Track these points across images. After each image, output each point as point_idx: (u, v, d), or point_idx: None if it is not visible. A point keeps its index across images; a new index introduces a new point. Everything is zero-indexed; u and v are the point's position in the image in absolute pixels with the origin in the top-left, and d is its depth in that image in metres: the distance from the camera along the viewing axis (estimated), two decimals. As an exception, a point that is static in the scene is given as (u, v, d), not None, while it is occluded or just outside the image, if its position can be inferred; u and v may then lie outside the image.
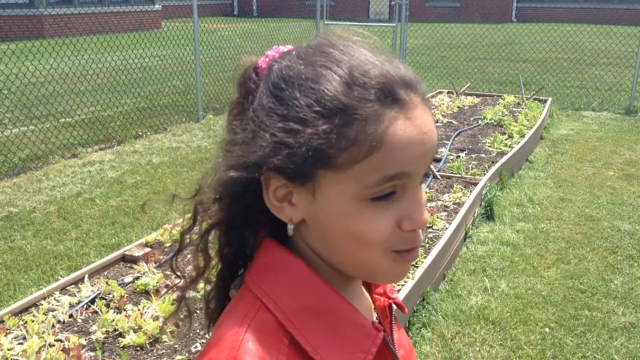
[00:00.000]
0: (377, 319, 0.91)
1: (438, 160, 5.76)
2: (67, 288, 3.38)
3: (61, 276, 3.95)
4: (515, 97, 8.94)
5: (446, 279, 4.00)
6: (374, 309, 0.92)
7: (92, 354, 2.78)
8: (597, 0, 26.59)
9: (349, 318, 0.79)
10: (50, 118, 8.15)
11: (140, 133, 7.73)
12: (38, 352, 2.67)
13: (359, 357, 0.77)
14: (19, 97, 8.65)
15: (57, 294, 3.30)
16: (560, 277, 4.06)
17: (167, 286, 3.30)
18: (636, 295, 3.83)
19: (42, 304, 3.17)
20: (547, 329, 3.47)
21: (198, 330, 3.07)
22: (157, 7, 22.37)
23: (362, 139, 0.72)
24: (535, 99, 8.87)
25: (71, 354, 2.65)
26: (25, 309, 3.17)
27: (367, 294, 0.92)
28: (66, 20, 18.31)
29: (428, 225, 4.20)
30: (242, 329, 0.75)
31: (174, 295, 0.96)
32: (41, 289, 3.74)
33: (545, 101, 8.78)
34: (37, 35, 16.62)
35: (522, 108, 8.27)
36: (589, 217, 5.07)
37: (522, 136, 6.69)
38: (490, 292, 3.85)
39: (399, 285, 3.32)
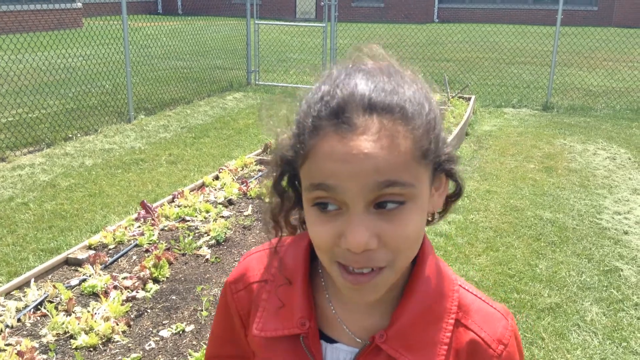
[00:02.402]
0: (363, 344, 0.92)
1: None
2: (12, 293, 3.34)
3: (0, 282, 3.88)
4: (441, 95, 9.31)
5: (386, 270, 4.19)
6: (370, 340, 0.92)
7: (45, 356, 2.78)
8: (513, 1, 27.80)
9: (295, 296, 0.94)
10: (-28, 121, 7.83)
11: (70, 135, 7.56)
12: (-11, 357, 2.65)
13: (277, 325, 0.95)
14: None
15: (1, 299, 3.25)
16: (490, 263, 4.33)
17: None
18: (559, 278, 4.15)
19: (-13, 310, 3.13)
20: (481, 313, 3.71)
21: (150, 329, 3.11)
22: (78, 4, 21.69)
23: (302, 147, 0.83)
24: (459, 97, 9.27)
25: (25, 357, 2.64)
26: (-32, 316, 3.11)
27: (385, 318, 0.93)
28: (-20, 18, 17.48)
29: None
30: (269, 244, 1.02)
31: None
32: (-20, 295, 3.67)
33: (469, 99, 9.20)
34: (-51, 33, 15.80)
35: (448, 106, 8.63)
36: (514, 208, 5.41)
37: (450, 133, 7.01)
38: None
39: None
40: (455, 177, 0.92)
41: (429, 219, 0.94)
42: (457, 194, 0.97)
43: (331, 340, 0.94)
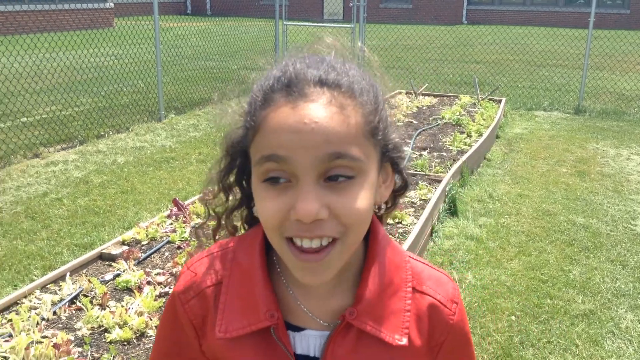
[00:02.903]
0: (333, 325, 0.94)
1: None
2: (47, 286, 3.39)
3: (35, 275, 3.95)
4: (471, 97, 9.24)
5: (416, 272, 4.16)
6: (340, 319, 0.93)
7: (80, 349, 2.82)
8: (544, 4, 27.47)
9: (256, 290, 0.94)
10: (7, 118, 7.99)
11: (102, 133, 7.67)
12: (27, 348, 2.69)
13: (242, 323, 0.93)
14: (-29, 96, 8.43)
15: (37, 292, 3.30)
16: (522, 268, 4.28)
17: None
18: (593, 284, 4.08)
19: (24, 302, 3.18)
20: (513, 317, 3.67)
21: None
22: (110, 4, 22.00)
23: (252, 121, 0.86)
24: (490, 99, 9.18)
25: (61, 349, 2.68)
26: (6, 308, 3.17)
27: (348, 298, 0.95)
28: (14, 17, 17.83)
29: (397, 220, 4.37)
30: (213, 249, 1.01)
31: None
32: (17, 288, 3.75)
33: (500, 101, 9.11)
34: (-15, 32, 16.15)
35: (478, 108, 8.56)
36: (546, 212, 5.34)
37: (480, 135, 6.95)
38: (458, 283, 4.03)
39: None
40: (400, 169, 0.96)
41: (376, 210, 0.97)
42: (403, 187, 1.01)
43: (297, 329, 0.95)
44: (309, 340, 0.95)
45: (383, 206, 1.00)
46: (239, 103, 0.94)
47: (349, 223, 0.83)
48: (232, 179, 0.98)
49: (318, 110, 0.80)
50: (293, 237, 0.84)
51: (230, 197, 1.01)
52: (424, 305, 0.97)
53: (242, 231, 1.05)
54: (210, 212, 1.03)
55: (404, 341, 0.93)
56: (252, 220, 1.03)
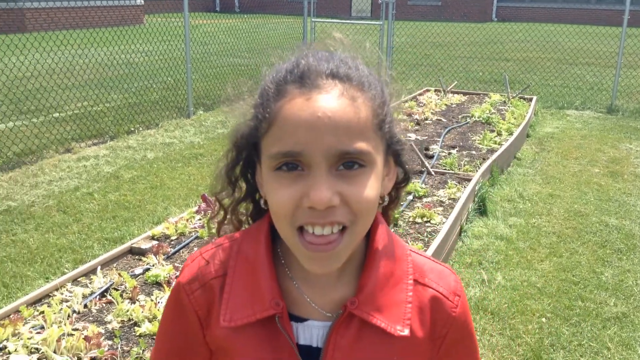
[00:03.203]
0: (336, 315, 0.95)
1: (431, 157, 5.89)
2: (78, 279, 3.44)
3: (67, 269, 4.00)
4: (501, 95, 9.13)
5: (444, 271, 4.12)
6: (342, 309, 0.94)
7: (111, 342, 2.85)
8: (575, 1, 27.03)
9: (261, 280, 0.95)
10: (40, 113, 8.12)
11: (133, 129, 7.75)
12: (58, 340, 2.73)
13: (247, 312, 0.94)
14: (5, 92, 8.60)
15: (68, 285, 3.35)
16: (553, 269, 4.21)
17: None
18: (626, 287, 4.00)
19: (56, 295, 3.23)
20: (543, 319, 3.61)
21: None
22: (140, 1, 22.23)
23: (266, 113, 0.86)
24: (520, 98, 9.06)
25: (92, 342, 2.71)
26: (38, 300, 3.22)
27: (350, 289, 0.96)
28: (47, 13, 18.14)
29: (426, 219, 4.33)
30: (213, 245, 1.02)
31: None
32: (48, 281, 3.81)
33: (530, 100, 8.98)
34: (18, 29, 16.46)
35: (509, 106, 8.45)
36: (578, 213, 5.25)
37: (511, 134, 6.85)
38: (487, 284, 3.99)
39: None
40: (402, 162, 0.99)
41: (380, 201, 0.99)
42: (405, 179, 1.03)
43: (300, 320, 0.96)
44: (311, 331, 0.96)
45: (387, 198, 1.03)
46: (250, 95, 0.95)
47: (358, 210, 0.86)
48: (237, 171, 1.00)
49: (331, 101, 0.83)
50: (305, 225, 0.86)
51: (236, 191, 1.03)
52: (426, 297, 0.98)
53: (247, 226, 1.07)
54: (219, 204, 1.05)
55: (406, 332, 0.94)
56: (257, 215, 1.05)
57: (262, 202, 1.00)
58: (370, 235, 0.97)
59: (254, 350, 0.95)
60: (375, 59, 0.96)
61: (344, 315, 0.93)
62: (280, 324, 0.94)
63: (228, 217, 1.05)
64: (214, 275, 0.99)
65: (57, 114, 8.18)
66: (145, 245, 3.81)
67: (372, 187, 0.86)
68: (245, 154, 0.97)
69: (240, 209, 1.05)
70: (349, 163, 0.84)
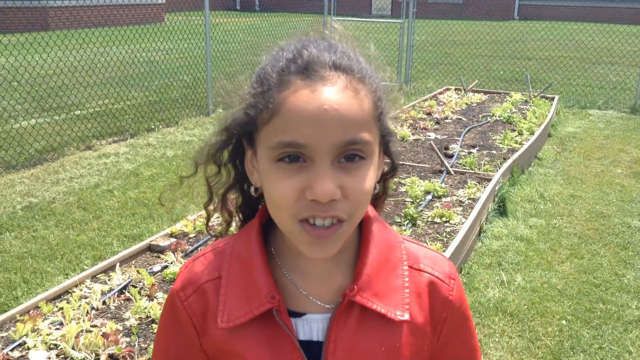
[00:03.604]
0: (335, 305, 0.94)
1: (450, 156, 5.85)
2: (97, 276, 3.46)
3: (86, 265, 4.04)
4: (523, 94, 9.03)
5: (463, 272, 4.09)
6: (341, 297, 0.93)
7: (128, 339, 2.86)
8: (599, -1, 26.67)
9: (256, 277, 0.93)
10: (62, 110, 8.21)
11: (153, 126, 7.80)
12: (77, 337, 2.75)
13: (244, 311, 0.93)
14: (28, 89, 8.71)
15: (87, 281, 3.38)
16: (574, 271, 4.15)
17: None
18: (649, 290, 3.93)
19: (75, 291, 3.25)
20: (563, 321, 3.56)
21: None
22: (161, 0, 22.38)
23: (268, 103, 0.84)
24: (542, 97, 8.95)
25: (110, 339, 2.73)
26: (57, 296, 3.25)
27: (346, 278, 0.96)
28: (70, 12, 18.34)
29: (445, 219, 4.29)
30: (206, 250, 1.01)
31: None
32: (68, 277, 3.84)
33: (552, 99, 8.87)
34: (41, 27, 16.66)
35: (530, 106, 8.36)
36: (600, 214, 5.17)
37: (532, 133, 6.78)
38: (506, 285, 3.94)
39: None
40: (391, 153, 0.98)
41: None
42: (392, 170, 1.03)
43: (298, 315, 0.95)
44: (311, 325, 0.95)
45: (377, 187, 1.03)
46: (246, 82, 0.93)
47: (356, 202, 0.86)
48: (225, 155, 0.99)
49: (336, 94, 0.83)
50: (307, 218, 0.85)
51: (224, 176, 1.02)
52: (423, 282, 0.99)
53: (236, 219, 1.06)
54: (207, 186, 1.04)
55: (406, 316, 0.94)
56: (246, 209, 1.05)
57: (252, 189, 1.00)
58: (362, 224, 0.98)
59: (254, 350, 0.93)
60: (373, 53, 0.96)
61: (343, 303, 0.93)
62: (279, 317, 0.93)
63: (216, 202, 1.04)
64: (207, 279, 0.97)
65: (79, 112, 8.27)
66: (163, 242, 3.83)
67: (370, 178, 0.87)
68: (236, 139, 0.96)
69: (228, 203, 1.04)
70: (351, 155, 0.84)
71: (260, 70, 0.90)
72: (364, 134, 0.84)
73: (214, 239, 1.07)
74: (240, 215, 1.06)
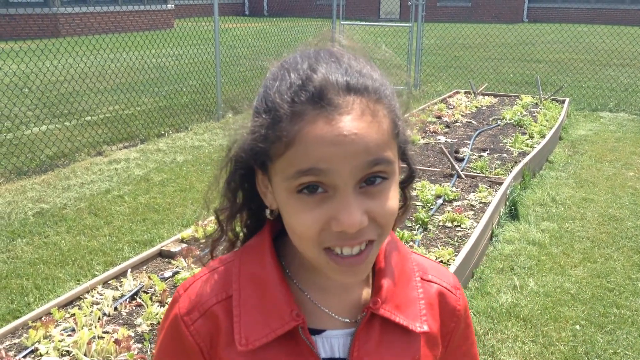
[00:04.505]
0: (358, 319, 0.93)
1: (461, 160, 5.82)
2: (109, 282, 3.47)
3: (97, 271, 4.05)
4: (533, 97, 8.99)
5: (475, 277, 4.07)
6: (364, 311, 0.93)
7: (140, 345, 2.86)
8: (609, 1, 26.53)
9: (274, 295, 0.90)
10: (73, 116, 8.26)
11: (163, 132, 7.83)
12: (89, 343, 2.76)
13: (264, 332, 0.89)
14: (39, 96, 8.76)
15: (99, 287, 3.38)
16: (587, 275, 4.12)
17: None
18: (664, 294, 3.89)
19: (86, 298, 3.26)
20: (577, 326, 3.53)
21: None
22: (170, 6, 22.49)
23: (283, 135, 0.80)
24: (552, 100, 8.91)
25: (122, 345, 2.73)
26: (69, 302, 3.26)
27: (365, 291, 0.96)
28: (81, 19, 18.45)
29: (456, 223, 4.27)
30: (207, 270, 0.96)
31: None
32: (79, 283, 3.85)
33: (563, 102, 8.82)
34: (52, 34, 16.76)
35: (541, 108, 8.32)
36: (613, 217, 5.13)
37: (543, 136, 6.74)
38: (519, 290, 3.91)
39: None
40: (408, 160, 0.96)
41: None
42: (410, 178, 1.01)
43: (317, 332, 0.93)
44: (331, 341, 0.93)
45: None
46: (250, 107, 0.89)
47: (384, 224, 0.84)
48: (236, 182, 0.95)
49: (354, 122, 0.79)
50: (332, 247, 0.83)
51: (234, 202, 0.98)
52: (433, 292, 1.00)
53: (242, 235, 1.02)
54: (217, 221, 0.99)
55: (425, 327, 0.95)
56: (251, 225, 1.00)
57: (267, 212, 0.96)
58: None
59: None
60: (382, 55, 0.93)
61: (367, 317, 0.92)
62: (304, 335, 0.90)
63: (225, 232, 0.99)
64: (215, 301, 0.92)
65: (89, 118, 8.31)
66: (174, 248, 3.83)
67: (393, 196, 0.85)
68: (244, 167, 0.91)
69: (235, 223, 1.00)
70: (372, 178, 0.82)
71: (265, 94, 0.85)
72: (387, 153, 0.82)
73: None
74: (244, 230, 1.01)
